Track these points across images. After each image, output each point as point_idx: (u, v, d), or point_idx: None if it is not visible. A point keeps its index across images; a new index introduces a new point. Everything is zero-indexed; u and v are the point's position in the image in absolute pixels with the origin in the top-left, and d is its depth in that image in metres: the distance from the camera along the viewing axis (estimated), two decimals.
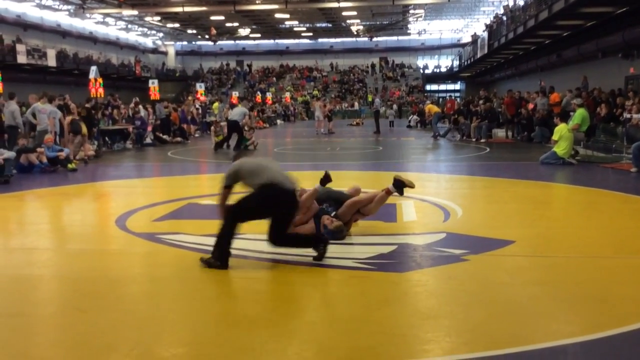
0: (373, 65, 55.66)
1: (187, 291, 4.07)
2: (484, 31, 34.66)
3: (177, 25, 47.34)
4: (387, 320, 3.40)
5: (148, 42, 55.89)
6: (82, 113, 14.64)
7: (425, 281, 4.14)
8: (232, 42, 54.93)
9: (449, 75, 52.34)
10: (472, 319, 3.40)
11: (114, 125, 17.89)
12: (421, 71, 54.89)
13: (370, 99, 47.15)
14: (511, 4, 29.10)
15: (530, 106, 17.98)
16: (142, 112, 19.11)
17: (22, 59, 30.94)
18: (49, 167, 11.24)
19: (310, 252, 4.62)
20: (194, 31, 49.85)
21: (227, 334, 3.26)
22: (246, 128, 16.92)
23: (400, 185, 5.33)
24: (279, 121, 38.45)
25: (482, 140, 17.76)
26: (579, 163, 11.31)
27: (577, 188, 8.59)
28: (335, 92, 52.33)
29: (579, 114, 12.86)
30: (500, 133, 20.35)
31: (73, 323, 3.48)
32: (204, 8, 36.87)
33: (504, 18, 28.91)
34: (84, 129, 13.31)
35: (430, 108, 20.70)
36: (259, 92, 45.82)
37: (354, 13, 41.27)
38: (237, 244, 5.17)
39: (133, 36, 52.71)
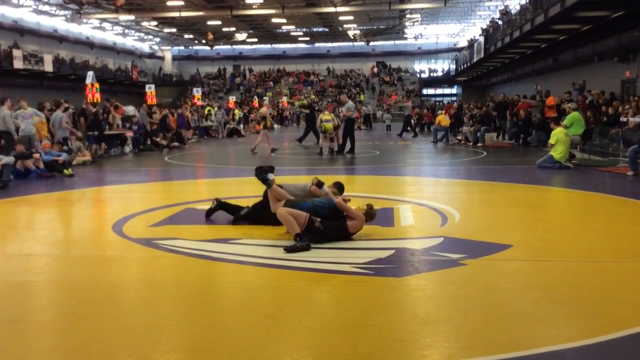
0: (368, 80, 55.60)
1: (185, 297, 4.05)
2: (480, 35, 34.76)
3: (174, 30, 47.37)
4: (386, 325, 3.39)
5: (145, 47, 55.93)
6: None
7: (424, 286, 4.13)
8: (229, 46, 55.06)
9: (446, 80, 52.50)
10: (471, 323, 3.40)
11: (110, 130, 17.86)
12: (418, 75, 55.02)
13: (362, 99, 47.96)
14: (509, 6, 29.20)
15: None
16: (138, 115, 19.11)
17: (18, 64, 30.94)
18: (46, 172, 11.21)
19: (311, 257, 4.67)
20: (191, 36, 49.90)
21: (225, 340, 3.25)
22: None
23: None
24: (275, 125, 38.40)
25: (479, 144, 17.80)
26: (575, 167, 11.34)
27: (574, 192, 8.60)
28: (332, 96, 52.40)
29: (571, 116, 12.96)
30: (496, 137, 20.36)
31: (70, 329, 3.47)
32: (200, 13, 36.91)
33: (500, 22, 29.00)
34: None
35: (441, 120, 20.70)
36: (255, 97, 45.80)
37: (351, 18, 41.35)
38: (234, 250, 5.18)
39: (130, 41, 52.74)
